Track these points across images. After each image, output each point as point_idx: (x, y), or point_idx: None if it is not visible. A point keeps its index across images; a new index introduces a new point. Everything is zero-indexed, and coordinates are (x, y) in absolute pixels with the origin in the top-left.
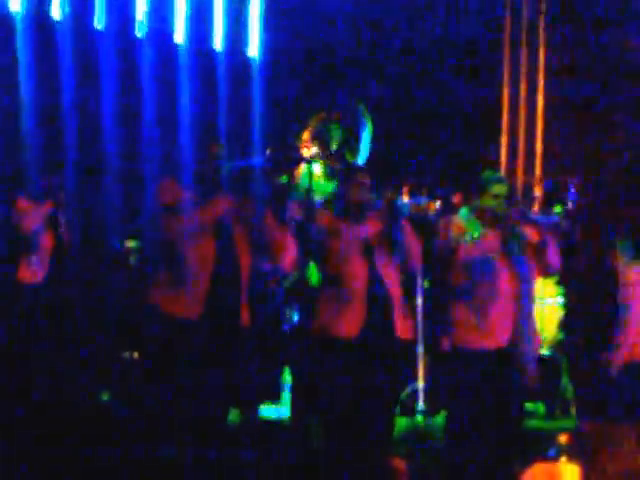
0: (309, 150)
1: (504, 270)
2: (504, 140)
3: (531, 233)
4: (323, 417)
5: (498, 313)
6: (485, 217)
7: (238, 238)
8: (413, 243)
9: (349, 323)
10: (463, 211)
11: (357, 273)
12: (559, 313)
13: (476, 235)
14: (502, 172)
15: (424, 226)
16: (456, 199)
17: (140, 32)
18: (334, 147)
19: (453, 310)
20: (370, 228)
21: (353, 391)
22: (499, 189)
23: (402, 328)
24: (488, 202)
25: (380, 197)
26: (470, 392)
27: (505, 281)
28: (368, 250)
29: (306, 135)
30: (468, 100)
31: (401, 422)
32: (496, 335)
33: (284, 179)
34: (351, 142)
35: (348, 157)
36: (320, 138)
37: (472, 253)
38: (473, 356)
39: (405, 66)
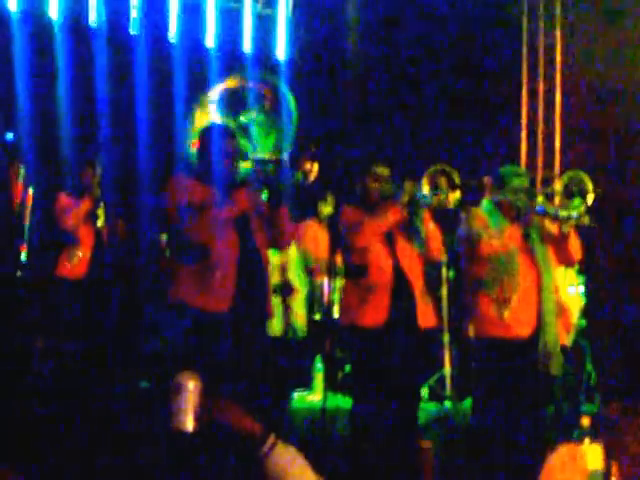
0: None
1: (525, 262)
2: (523, 134)
3: (551, 225)
4: (354, 403)
5: (520, 304)
6: (506, 210)
7: (257, 232)
8: (434, 233)
9: (374, 313)
10: (485, 204)
11: (381, 264)
12: (581, 301)
13: (497, 228)
14: (522, 166)
15: (445, 217)
16: (487, 182)
17: (172, 37)
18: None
19: (476, 301)
20: (392, 219)
21: (379, 378)
22: (519, 182)
23: (424, 317)
24: (509, 195)
25: (401, 188)
26: (494, 380)
27: (526, 273)
28: (390, 241)
29: None
30: (489, 93)
31: (429, 407)
32: (518, 325)
33: (299, 176)
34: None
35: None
36: None
37: (494, 246)
38: (496, 345)
39: (426, 60)
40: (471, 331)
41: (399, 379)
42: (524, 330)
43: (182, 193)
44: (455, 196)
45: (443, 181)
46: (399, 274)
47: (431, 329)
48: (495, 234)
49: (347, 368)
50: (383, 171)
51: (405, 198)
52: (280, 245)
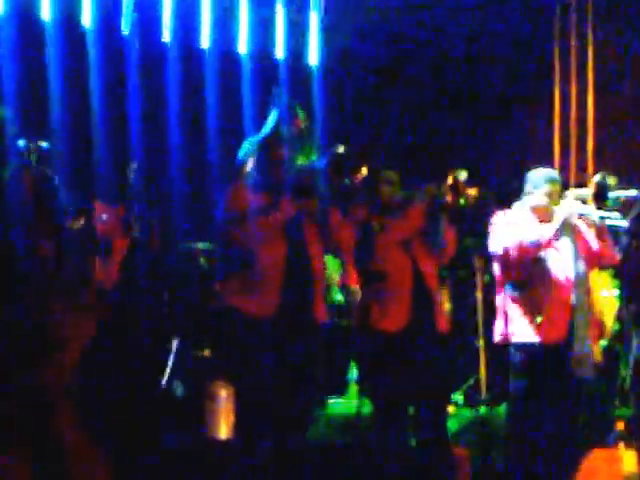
0: None
1: (559, 266)
2: (556, 137)
3: (585, 228)
4: (377, 409)
5: (553, 308)
6: (539, 214)
7: (309, 238)
8: (452, 237)
9: (395, 318)
10: (518, 208)
11: (400, 269)
12: (615, 304)
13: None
14: (555, 169)
15: (466, 219)
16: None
17: (204, 44)
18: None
19: (511, 305)
20: (411, 224)
21: (403, 383)
22: (552, 186)
23: (443, 321)
24: (542, 199)
25: (421, 191)
26: (529, 385)
27: (560, 276)
28: (409, 245)
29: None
30: (519, 97)
31: (465, 413)
32: (552, 330)
33: (347, 181)
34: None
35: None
36: None
37: (528, 250)
38: (530, 349)
39: (456, 62)
40: (505, 336)
41: (422, 384)
42: (557, 334)
43: (236, 200)
44: (475, 198)
45: (464, 184)
46: (418, 279)
47: (449, 334)
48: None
49: (355, 373)
50: (392, 175)
51: (426, 201)
52: (336, 250)
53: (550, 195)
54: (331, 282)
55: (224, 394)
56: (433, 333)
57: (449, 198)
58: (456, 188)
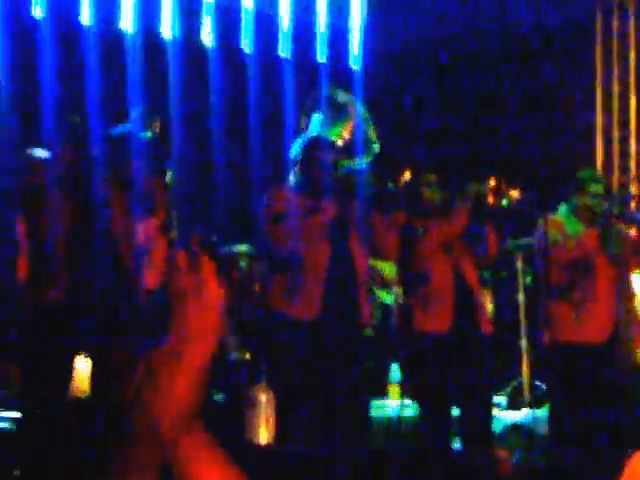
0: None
1: (602, 267)
2: (599, 139)
3: (629, 230)
4: (421, 411)
5: (597, 309)
6: (583, 215)
7: (352, 240)
8: (492, 239)
9: (437, 320)
10: (562, 209)
11: (442, 271)
12: None
13: (574, 233)
14: (598, 170)
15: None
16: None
17: (246, 47)
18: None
19: (553, 307)
20: (454, 226)
21: (447, 385)
22: (597, 187)
23: (486, 323)
24: (586, 200)
25: (463, 193)
26: (571, 386)
27: (604, 278)
28: (450, 248)
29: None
30: (564, 96)
31: (507, 415)
32: (595, 330)
33: (389, 185)
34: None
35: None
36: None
37: (571, 251)
38: (573, 350)
39: (496, 62)
40: (548, 337)
41: (466, 386)
42: (600, 335)
43: (277, 202)
44: (517, 199)
45: (506, 185)
46: (460, 281)
47: (493, 336)
48: (572, 239)
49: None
50: (433, 178)
51: (468, 203)
52: (380, 254)
53: (594, 196)
54: (380, 283)
55: (264, 399)
56: (476, 335)
57: (491, 200)
58: (498, 189)
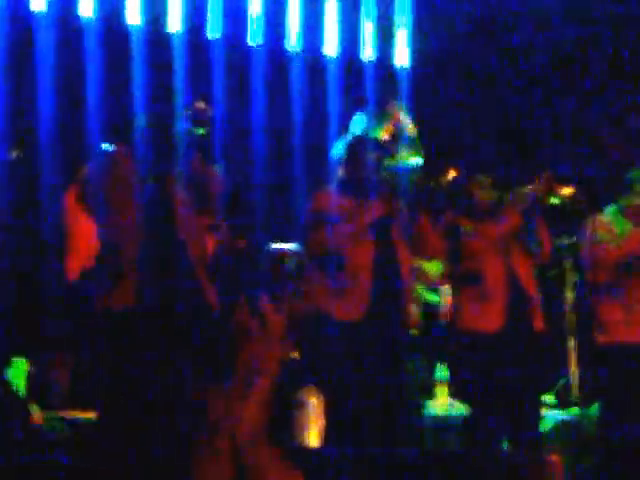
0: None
1: None
2: None
3: None
4: (470, 411)
5: None
6: (631, 215)
7: (397, 241)
8: (547, 238)
9: (490, 319)
10: (610, 209)
11: (495, 270)
12: None
13: (622, 232)
14: None
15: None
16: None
17: (292, 47)
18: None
19: (601, 306)
20: (506, 225)
21: (498, 385)
22: None
23: (540, 322)
24: (634, 200)
25: (515, 193)
26: (622, 385)
27: None
28: (504, 247)
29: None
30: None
31: (555, 414)
32: None
33: (433, 183)
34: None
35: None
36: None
37: (619, 251)
38: (623, 350)
39: (548, 60)
40: (597, 336)
41: (518, 386)
42: None
43: (321, 204)
44: (569, 198)
45: (558, 183)
46: (513, 280)
47: (546, 335)
48: (619, 239)
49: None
50: (486, 179)
51: (520, 203)
52: (423, 254)
53: None
54: (426, 283)
55: (313, 401)
56: (529, 334)
57: (543, 198)
58: (550, 188)
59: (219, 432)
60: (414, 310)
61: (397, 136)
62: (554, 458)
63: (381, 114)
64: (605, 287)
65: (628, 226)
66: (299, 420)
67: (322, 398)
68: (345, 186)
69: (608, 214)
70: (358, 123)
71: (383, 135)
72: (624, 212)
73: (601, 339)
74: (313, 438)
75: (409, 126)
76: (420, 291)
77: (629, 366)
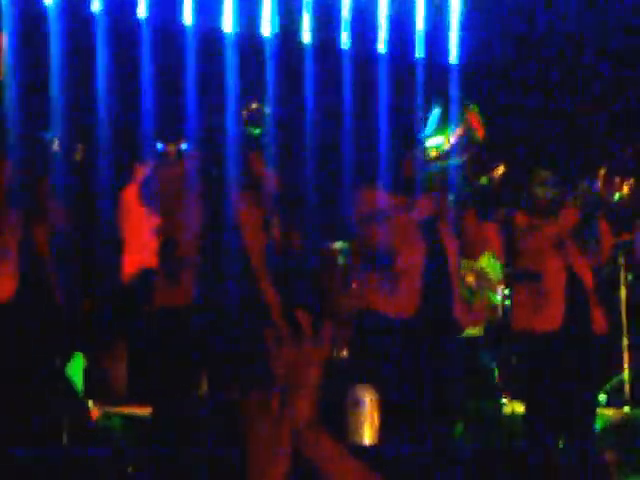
0: None
1: None
2: None
3: None
4: (528, 410)
5: None
6: None
7: (445, 239)
8: (607, 236)
9: (549, 318)
10: None
11: (554, 269)
12: None
13: None
14: None
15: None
16: None
17: (343, 43)
18: None
19: None
20: (565, 223)
21: (554, 384)
22: None
23: (598, 321)
24: None
25: (574, 190)
26: None
27: None
28: (562, 245)
29: None
30: None
31: (609, 413)
32: None
33: (484, 180)
34: None
35: None
36: None
37: None
38: None
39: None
40: None
41: (575, 386)
42: None
43: (368, 201)
44: (629, 194)
45: (619, 182)
46: (572, 279)
47: (605, 333)
48: None
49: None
50: (547, 175)
51: (579, 200)
52: (470, 252)
53: None
54: (487, 284)
55: (368, 399)
56: (589, 333)
57: (604, 196)
58: (610, 185)
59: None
60: (479, 308)
61: (464, 142)
62: (608, 456)
63: (456, 116)
64: None
65: None
66: (354, 419)
67: (376, 396)
68: (392, 183)
69: None
70: (434, 119)
71: (450, 138)
72: None
73: None
74: (368, 437)
75: (480, 133)
76: (485, 291)
77: None
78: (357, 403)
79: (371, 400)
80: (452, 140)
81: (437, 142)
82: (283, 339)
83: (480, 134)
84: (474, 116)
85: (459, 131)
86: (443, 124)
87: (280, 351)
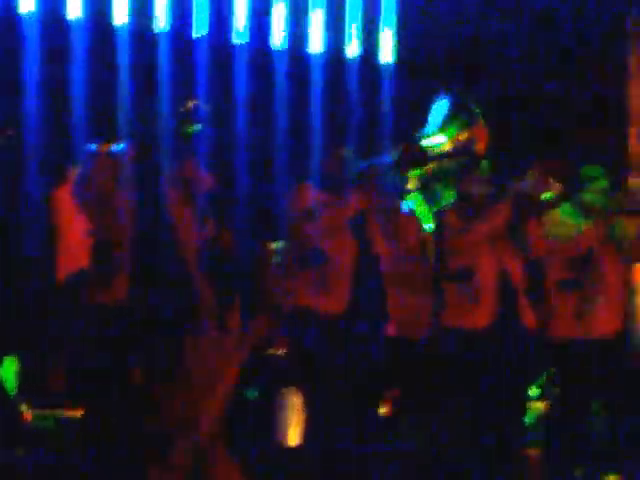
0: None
1: (608, 261)
2: (632, 131)
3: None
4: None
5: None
6: (586, 211)
7: (375, 236)
8: (538, 232)
9: (480, 316)
10: (564, 206)
11: (485, 267)
12: None
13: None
14: (633, 163)
15: None
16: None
17: (276, 44)
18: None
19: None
20: (496, 221)
21: (485, 380)
22: (602, 184)
23: (528, 317)
24: (591, 197)
25: (505, 187)
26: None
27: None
28: (494, 243)
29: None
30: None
31: (541, 407)
32: None
33: (414, 173)
34: None
35: None
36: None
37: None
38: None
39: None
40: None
41: (505, 381)
42: None
43: (302, 198)
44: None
45: (549, 178)
46: (504, 277)
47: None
48: (573, 234)
49: None
50: (478, 173)
51: (510, 197)
52: (404, 247)
53: (601, 192)
54: None
55: (294, 401)
56: (519, 330)
57: (535, 194)
58: (541, 183)
59: (177, 437)
60: None
61: (464, 149)
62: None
63: (462, 117)
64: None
65: (582, 222)
66: (281, 420)
67: (302, 398)
68: (323, 181)
69: (562, 211)
70: (436, 113)
71: (456, 137)
72: (579, 208)
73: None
74: (293, 438)
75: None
76: None
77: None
78: (284, 405)
79: (297, 402)
80: (454, 143)
81: (437, 141)
82: (205, 338)
83: (482, 146)
84: (482, 128)
85: (462, 136)
86: (447, 124)
87: (199, 349)
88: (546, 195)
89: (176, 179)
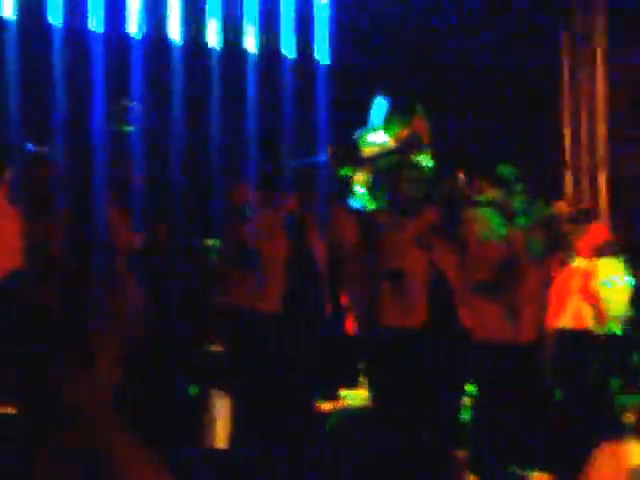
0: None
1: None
2: (567, 132)
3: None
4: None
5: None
6: (503, 211)
7: (309, 232)
8: (468, 232)
9: (412, 315)
10: (485, 207)
11: (417, 268)
12: (629, 291)
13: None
14: (567, 159)
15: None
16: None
17: (213, 43)
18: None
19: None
20: (427, 221)
21: (420, 377)
22: (517, 186)
23: (462, 317)
24: (504, 196)
25: (438, 188)
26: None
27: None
28: (425, 243)
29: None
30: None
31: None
32: None
33: (347, 171)
34: None
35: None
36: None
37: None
38: None
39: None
40: None
41: (440, 378)
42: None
43: (238, 198)
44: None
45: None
46: (436, 276)
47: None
48: (497, 236)
49: None
50: (413, 174)
51: (443, 197)
52: (338, 247)
53: (517, 194)
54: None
55: (221, 402)
56: (453, 329)
57: (466, 193)
58: (473, 185)
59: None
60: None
61: (408, 144)
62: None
63: (406, 115)
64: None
65: (504, 224)
66: (206, 422)
67: (229, 399)
68: (259, 180)
69: (484, 211)
70: (378, 108)
71: (399, 134)
72: (495, 208)
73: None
74: (220, 439)
75: (425, 137)
76: None
77: None
78: (210, 407)
79: (223, 403)
80: (397, 139)
81: (380, 139)
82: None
83: (425, 138)
84: (421, 120)
85: (404, 132)
86: (389, 122)
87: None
88: (475, 197)
89: (111, 178)
